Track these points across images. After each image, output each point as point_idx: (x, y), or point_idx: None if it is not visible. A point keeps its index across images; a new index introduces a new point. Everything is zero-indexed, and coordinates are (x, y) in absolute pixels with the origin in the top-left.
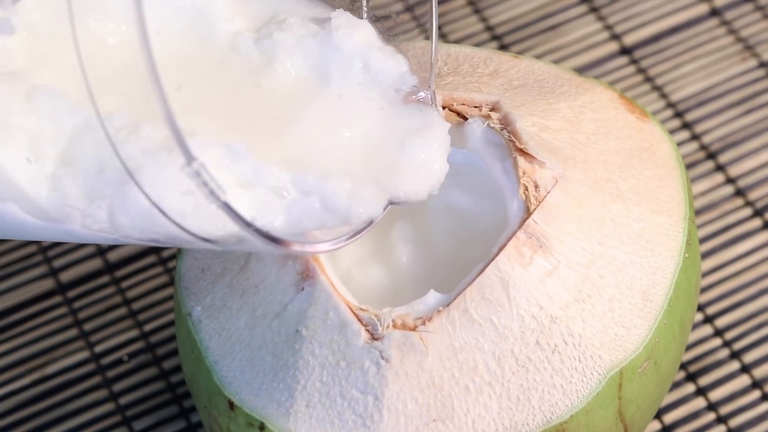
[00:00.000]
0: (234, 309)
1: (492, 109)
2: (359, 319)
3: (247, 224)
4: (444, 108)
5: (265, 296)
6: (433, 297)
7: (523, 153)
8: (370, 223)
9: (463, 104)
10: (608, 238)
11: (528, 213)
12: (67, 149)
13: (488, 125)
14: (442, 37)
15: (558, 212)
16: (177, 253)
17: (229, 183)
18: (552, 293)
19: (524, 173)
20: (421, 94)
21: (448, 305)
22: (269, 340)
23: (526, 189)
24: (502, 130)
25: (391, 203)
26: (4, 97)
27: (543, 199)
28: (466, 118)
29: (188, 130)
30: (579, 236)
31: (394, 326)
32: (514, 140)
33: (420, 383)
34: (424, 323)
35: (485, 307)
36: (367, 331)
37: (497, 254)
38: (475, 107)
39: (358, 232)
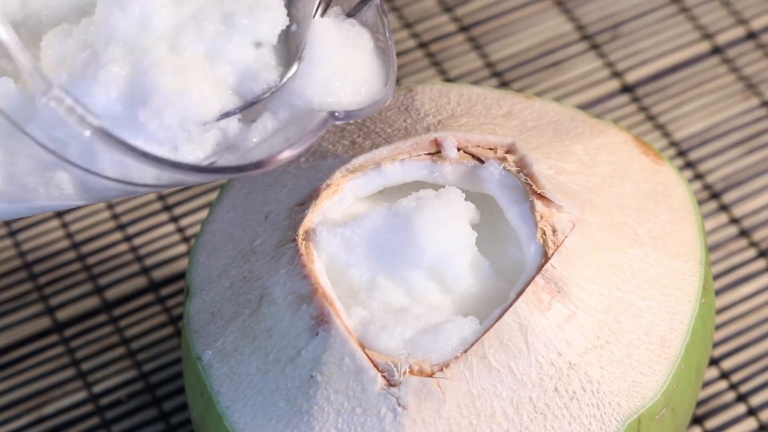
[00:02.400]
0: (245, 353)
1: (507, 152)
2: (375, 365)
3: (131, 149)
4: (459, 150)
5: (278, 341)
6: None
7: (541, 197)
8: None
9: (478, 146)
10: (625, 283)
11: (546, 258)
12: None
13: (504, 168)
14: (442, 73)
15: (576, 257)
16: (184, 296)
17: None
18: (570, 339)
19: (542, 217)
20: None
21: (465, 351)
22: (282, 386)
23: (544, 233)
24: (518, 173)
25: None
26: None
27: (561, 244)
28: (481, 161)
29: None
30: (597, 281)
31: (411, 372)
32: (531, 183)
33: (437, 430)
34: (441, 369)
35: (503, 353)
36: (384, 377)
37: (516, 299)
38: (491, 149)
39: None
